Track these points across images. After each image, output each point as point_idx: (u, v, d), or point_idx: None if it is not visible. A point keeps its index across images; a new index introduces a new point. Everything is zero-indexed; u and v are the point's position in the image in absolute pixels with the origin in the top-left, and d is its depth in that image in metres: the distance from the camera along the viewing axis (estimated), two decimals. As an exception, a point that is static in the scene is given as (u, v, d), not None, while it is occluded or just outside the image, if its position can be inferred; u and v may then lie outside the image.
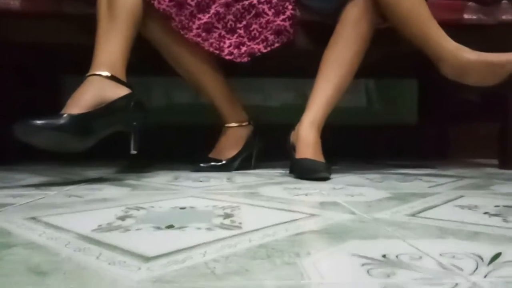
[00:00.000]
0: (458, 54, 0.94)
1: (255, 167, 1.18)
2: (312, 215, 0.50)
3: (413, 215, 0.51)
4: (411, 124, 1.79)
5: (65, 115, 0.73)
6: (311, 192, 0.70)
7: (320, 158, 0.94)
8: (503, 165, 1.23)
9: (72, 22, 1.10)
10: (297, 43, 1.16)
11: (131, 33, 0.91)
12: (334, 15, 1.06)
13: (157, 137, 1.56)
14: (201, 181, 0.85)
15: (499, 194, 0.69)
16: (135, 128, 0.85)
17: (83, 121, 0.75)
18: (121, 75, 0.87)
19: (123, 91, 0.84)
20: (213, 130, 1.17)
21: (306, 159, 0.92)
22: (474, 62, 0.93)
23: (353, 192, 0.70)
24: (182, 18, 1.00)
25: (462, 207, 0.56)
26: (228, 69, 1.15)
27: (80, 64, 0.99)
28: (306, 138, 0.96)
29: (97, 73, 0.83)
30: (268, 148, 1.20)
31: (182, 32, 0.99)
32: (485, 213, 0.52)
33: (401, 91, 1.82)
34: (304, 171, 0.92)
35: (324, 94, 1.01)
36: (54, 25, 1.10)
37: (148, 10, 0.96)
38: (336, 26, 1.05)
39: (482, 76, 0.92)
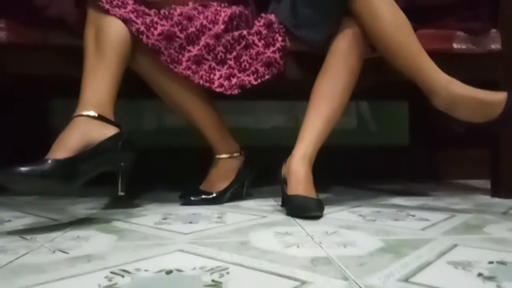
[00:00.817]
0: (449, 88, 0.93)
1: (246, 196, 1.17)
2: (304, 282, 0.48)
3: (406, 280, 0.49)
4: (403, 145, 1.79)
5: (49, 161, 0.71)
6: (303, 241, 0.68)
7: (311, 193, 0.93)
8: (495, 193, 1.23)
9: (59, 54, 1.08)
10: (288, 73, 1.15)
11: (119, 70, 0.90)
12: (324, 46, 1.06)
13: (147, 159, 1.55)
14: (190, 223, 0.83)
15: (493, 240, 0.68)
16: (123, 169, 0.83)
17: (69, 166, 0.73)
18: (109, 114, 0.86)
19: (110, 131, 0.83)
20: (204, 153, 1.16)
21: (297, 196, 0.91)
22: (464, 97, 0.92)
23: (346, 239, 0.68)
24: (171, 51, 0.98)
25: (455, 265, 0.55)
26: (218, 93, 1.14)
27: (67, 93, 0.96)
28: (298, 174, 0.95)
29: (84, 113, 0.81)
30: (260, 170, 1.19)
31: (171, 67, 0.97)
32: (479, 274, 0.51)
33: (392, 113, 1.82)
34: (296, 209, 0.90)
35: (315, 128, 1.00)
36: (41, 57, 1.08)
37: (136, 44, 0.95)
38: (326, 57, 1.04)
39: (472, 112, 0.92)
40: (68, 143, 0.75)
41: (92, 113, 0.82)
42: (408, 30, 0.98)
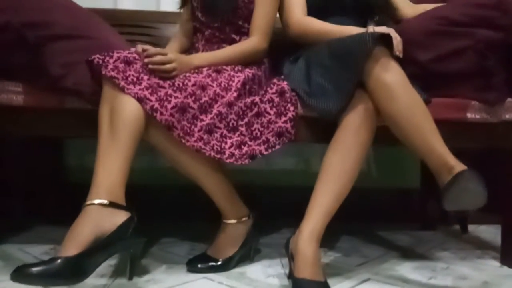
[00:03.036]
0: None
1: (254, 254, 1.18)
2: None
3: None
4: (414, 188, 1.78)
5: (60, 260, 0.73)
6: None
7: (318, 276, 0.93)
8: (505, 261, 1.22)
9: (76, 117, 1.10)
10: (299, 136, 1.15)
11: (132, 150, 0.91)
12: (336, 116, 1.05)
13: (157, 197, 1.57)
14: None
15: None
16: (132, 255, 0.84)
17: (80, 262, 0.75)
18: (120, 197, 0.87)
19: (121, 217, 0.84)
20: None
21: (304, 280, 0.91)
22: None
23: None
24: (184, 123, 0.99)
25: None
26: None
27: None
28: (305, 254, 0.95)
29: (96, 202, 0.83)
30: (269, 211, 1.19)
31: (183, 141, 0.98)
32: None
33: (403, 156, 1.81)
34: (303, 295, 0.91)
35: (324, 204, 1.00)
36: (57, 120, 1.10)
37: (150, 120, 0.96)
38: (337, 130, 1.04)
39: (478, 198, 0.92)
40: (80, 237, 0.77)
41: (103, 201, 0.83)
42: (423, 112, 0.97)
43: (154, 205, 1.55)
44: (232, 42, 1.23)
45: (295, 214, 1.04)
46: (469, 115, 1.16)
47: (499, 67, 1.16)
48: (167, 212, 1.60)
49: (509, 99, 1.18)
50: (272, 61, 1.29)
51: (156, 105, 0.95)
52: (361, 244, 1.40)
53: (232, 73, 1.11)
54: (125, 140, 0.90)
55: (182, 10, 1.35)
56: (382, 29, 1.05)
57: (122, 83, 0.94)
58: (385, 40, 1.00)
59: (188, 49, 1.33)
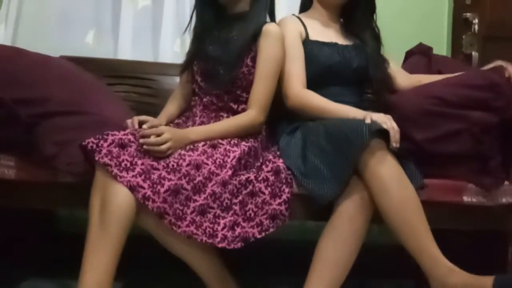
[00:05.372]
0: (444, 280, 0.94)
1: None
2: None
3: None
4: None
5: None
6: None
7: None
8: None
9: (68, 191, 1.08)
10: (294, 215, 1.13)
11: (122, 244, 0.90)
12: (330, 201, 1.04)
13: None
14: None
15: None
16: None
17: None
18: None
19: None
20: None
21: None
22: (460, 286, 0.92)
23: None
24: (177, 205, 0.98)
25: None
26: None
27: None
28: None
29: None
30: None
31: (175, 228, 0.97)
32: None
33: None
34: None
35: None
36: (49, 194, 1.09)
37: (142, 206, 0.95)
38: (331, 218, 1.04)
39: None
40: None
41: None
42: (415, 208, 0.97)
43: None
44: (230, 110, 1.22)
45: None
46: (465, 198, 1.16)
47: (495, 150, 1.16)
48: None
49: (506, 183, 1.18)
50: (269, 126, 1.28)
51: (149, 192, 0.94)
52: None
53: (228, 147, 1.11)
54: (114, 234, 0.89)
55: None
56: (380, 117, 1.04)
57: (115, 171, 0.92)
58: (382, 131, 1.00)
59: (186, 111, 1.32)
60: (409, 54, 1.56)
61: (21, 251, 1.56)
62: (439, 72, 1.40)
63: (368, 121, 1.01)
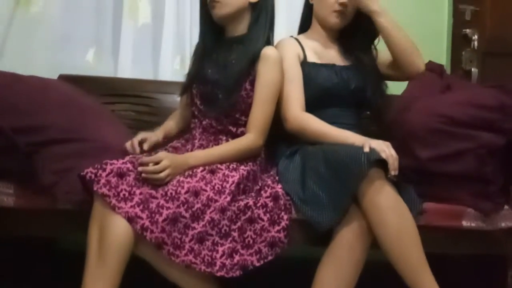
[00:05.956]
0: None
1: None
2: None
3: None
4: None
5: None
6: None
7: None
8: None
9: (67, 218, 1.09)
10: (293, 240, 1.13)
11: (119, 275, 0.91)
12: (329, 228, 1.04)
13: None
14: None
15: None
16: None
17: None
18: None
19: None
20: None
21: None
22: None
23: None
24: (175, 234, 0.98)
25: None
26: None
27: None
28: None
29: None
30: None
31: (173, 258, 0.97)
32: None
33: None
34: None
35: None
36: (48, 221, 1.09)
37: (140, 236, 0.95)
38: (330, 245, 1.04)
39: None
40: None
41: None
42: (412, 239, 0.97)
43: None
44: (229, 133, 1.22)
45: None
46: (464, 223, 1.15)
47: (497, 174, 1.15)
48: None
49: (505, 207, 1.17)
50: (268, 147, 1.28)
51: (147, 223, 0.94)
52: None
53: (227, 172, 1.11)
54: (112, 265, 0.89)
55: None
56: (379, 144, 1.03)
57: (113, 201, 0.93)
58: (381, 160, 1.00)
59: (185, 133, 1.32)
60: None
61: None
62: (449, 87, 1.36)
63: (366, 149, 1.00)
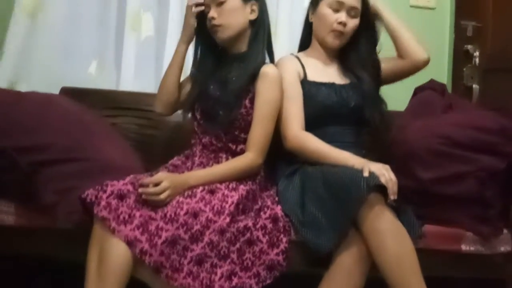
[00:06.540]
0: None
1: None
2: None
3: None
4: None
5: None
6: None
7: None
8: None
9: (67, 237, 1.09)
10: (292, 262, 1.13)
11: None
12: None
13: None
14: None
15: None
16: None
17: None
18: None
19: None
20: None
21: None
22: None
23: None
24: (174, 256, 0.98)
25: None
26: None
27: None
28: None
29: None
30: None
31: (171, 282, 0.97)
32: None
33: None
34: None
35: None
36: (48, 240, 1.10)
37: (139, 259, 0.95)
38: (329, 270, 1.04)
39: None
40: None
41: None
42: (411, 264, 0.97)
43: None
44: (228, 150, 1.23)
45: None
46: (463, 247, 1.15)
47: (497, 197, 1.15)
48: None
49: (504, 231, 1.17)
50: (268, 165, 1.28)
51: (146, 246, 0.95)
52: None
53: (226, 192, 1.11)
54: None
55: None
56: (378, 168, 1.03)
57: (113, 225, 0.93)
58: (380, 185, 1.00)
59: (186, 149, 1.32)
60: (419, 90, 1.49)
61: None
62: (451, 106, 1.37)
63: (366, 174, 1.01)
